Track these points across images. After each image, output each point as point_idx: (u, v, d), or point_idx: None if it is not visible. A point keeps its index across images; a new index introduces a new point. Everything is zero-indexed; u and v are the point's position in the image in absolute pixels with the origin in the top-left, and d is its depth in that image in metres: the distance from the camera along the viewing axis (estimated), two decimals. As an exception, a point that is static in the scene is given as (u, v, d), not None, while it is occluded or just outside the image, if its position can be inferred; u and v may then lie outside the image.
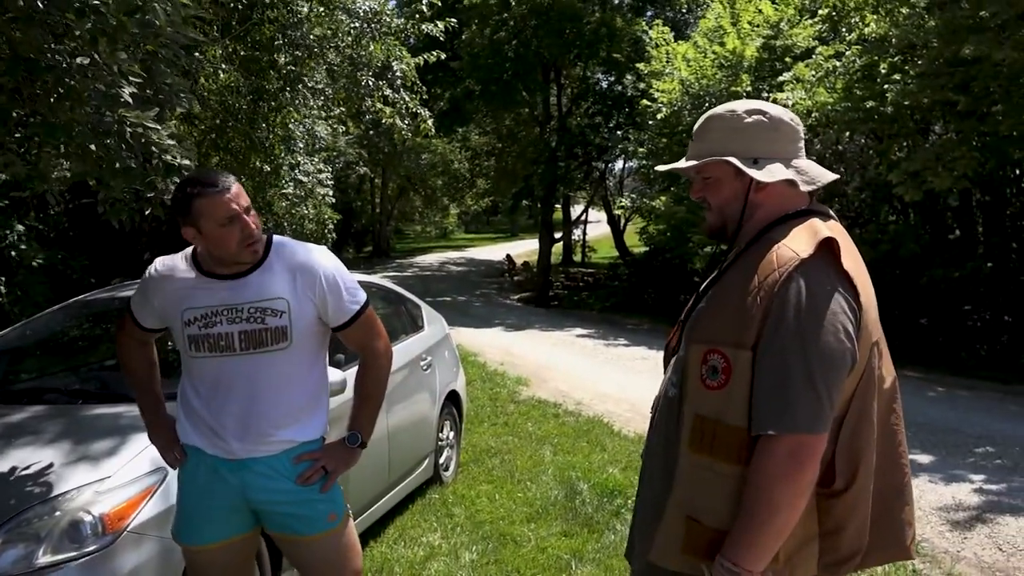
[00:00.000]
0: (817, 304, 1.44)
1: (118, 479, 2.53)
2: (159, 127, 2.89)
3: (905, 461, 1.64)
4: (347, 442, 2.28)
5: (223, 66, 7.53)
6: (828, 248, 1.50)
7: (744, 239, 1.63)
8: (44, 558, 2.31)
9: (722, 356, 1.49)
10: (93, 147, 2.79)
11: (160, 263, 2.24)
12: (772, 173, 1.57)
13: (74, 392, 3.38)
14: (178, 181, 2.96)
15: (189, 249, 2.24)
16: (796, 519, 1.44)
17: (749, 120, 1.60)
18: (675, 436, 1.58)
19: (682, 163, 1.67)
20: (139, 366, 2.37)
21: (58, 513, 2.39)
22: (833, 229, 1.55)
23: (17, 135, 3.16)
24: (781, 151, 1.61)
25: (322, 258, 2.23)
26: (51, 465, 2.58)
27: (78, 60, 2.83)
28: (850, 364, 1.46)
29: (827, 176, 1.63)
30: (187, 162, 2.98)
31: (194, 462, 2.22)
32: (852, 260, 1.52)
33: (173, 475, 2.63)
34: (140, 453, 2.63)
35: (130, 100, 2.83)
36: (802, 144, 1.66)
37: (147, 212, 3.03)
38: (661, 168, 1.80)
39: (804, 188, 1.59)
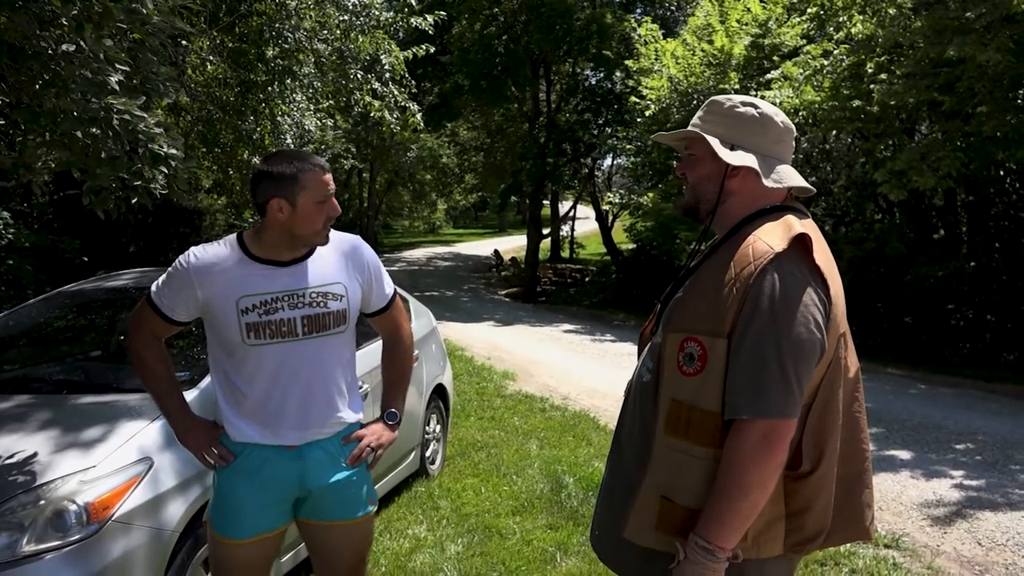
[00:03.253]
0: (790, 296, 1.51)
1: (103, 468, 2.52)
2: (146, 115, 2.87)
3: (866, 447, 1.71)
4: (386, 420, 2.35)
5: (211, 58, 7.48)
6: (801, 243, 1.56)
7: (720, 229, 1.70)
8: (28, 547, 2.30)
9: (699, 344, 1.56)
10: (79, 135, 2.76)
11: (199, 251, 2.17)
12: (742, 160, 1.64)
13: (59, 382, 3.36)
14: (165, 170, 2.95)
15: (231, 237, 2.22)
16: (766, 499, 1.51)
17: (740, 110, 1.69)
18: (650, 420, 1.64)
19: (671, 134, 1.76)
20: (158, 363, 2.25)
21: (42, 502, 2.38)
22: (806, 226, 1.61)
23: (1, 123, 3.13)
24: (763, 147, 1.67)
25: (364, 246, 2.32)
26: (35, 454, 2.57)
27: (63, 47, 2.79)
28: (819, 353, 1.53)
29: (797, 181, 1.69)
30: (174, 151, 2.95)
31: (243, 456, 2.16)
32: (823, 256, 1.59)
33: (159, 464, 2.63)
34: (126, 443, 2.62)
35: (117, 88, 2.81)
36: (788, 148, 1.72)
37: (133, 201, 3.00)
38: (655, 137, 1.87)
39: (766, 183, 1.64)
